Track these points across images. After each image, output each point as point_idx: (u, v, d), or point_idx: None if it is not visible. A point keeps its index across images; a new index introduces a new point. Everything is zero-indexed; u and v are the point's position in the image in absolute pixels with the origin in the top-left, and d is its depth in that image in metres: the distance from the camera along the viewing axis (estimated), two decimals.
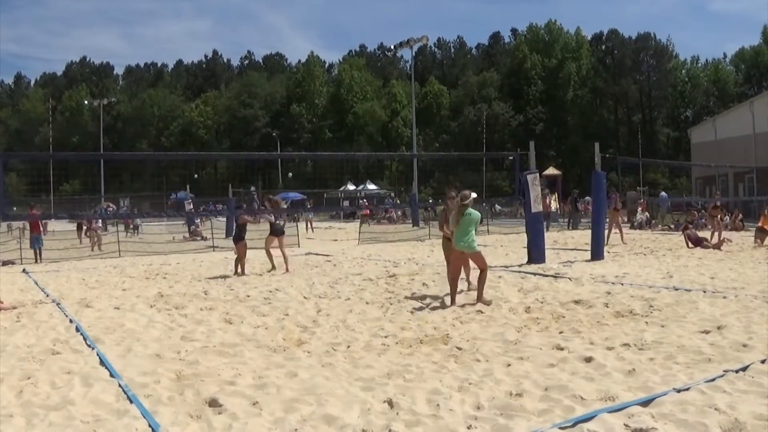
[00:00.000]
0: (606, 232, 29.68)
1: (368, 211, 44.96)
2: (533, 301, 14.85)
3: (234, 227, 24.72)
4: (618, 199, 36.08)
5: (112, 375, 9.39)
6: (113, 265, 28.01)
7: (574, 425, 6.86)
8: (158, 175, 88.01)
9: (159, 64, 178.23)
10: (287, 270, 23.23)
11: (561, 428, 6.80)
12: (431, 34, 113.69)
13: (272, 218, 24.48)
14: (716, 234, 31.21)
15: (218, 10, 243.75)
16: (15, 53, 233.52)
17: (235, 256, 23.37)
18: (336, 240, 42.86)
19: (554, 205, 53.04)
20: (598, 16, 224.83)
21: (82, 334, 12.45)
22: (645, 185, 78.33)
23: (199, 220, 50.16)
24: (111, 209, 60.38)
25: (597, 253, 24.30)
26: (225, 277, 22.21)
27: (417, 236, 41.70)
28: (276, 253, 24.02)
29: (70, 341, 11.90)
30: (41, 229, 32.81)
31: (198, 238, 43.45)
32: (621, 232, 32.50)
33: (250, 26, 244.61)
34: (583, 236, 34.02)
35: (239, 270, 22.94)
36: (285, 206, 31.45)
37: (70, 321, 13.88)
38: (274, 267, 23.78)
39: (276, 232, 24.14)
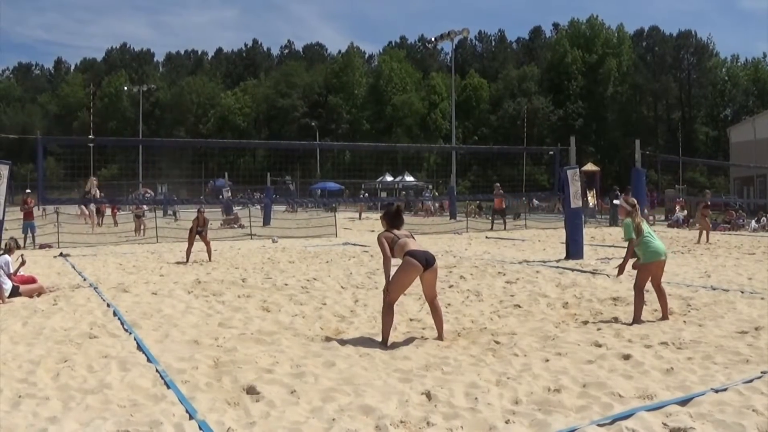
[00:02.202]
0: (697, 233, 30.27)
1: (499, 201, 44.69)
2: (571, 297, 14.83)
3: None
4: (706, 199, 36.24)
5: (149, 360, 9.49)
6: (151, 250, 28.13)
7: (612, 422, 6.83)
8: (197, 162, 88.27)
9: (199, 52, 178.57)
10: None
11: (599, 425, 6.77)
12: (472, 27, 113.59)
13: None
14: (705, 233, 31.06)
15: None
16: (44, 39, 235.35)
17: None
18: (373, 231, 42.77)
19: (592, 201, 52.83)
20: (638, 13, 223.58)
21: (119, 318, 12.56)
22: (683, 184, 77.72)
23: (237, 208, 50.26)
24: (149, 195, 60.54)
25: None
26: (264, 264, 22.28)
27: (454, 229, 41.67)
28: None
29: (107, 325, 12.00)
30: (34, 215, 33.07)
31: (235, 226, 43.57)
32: (708, 232, 31.96)
33: (277, 16, 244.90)
34: (621, 233, 33.87)
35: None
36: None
37: (108, 305, 14.01)
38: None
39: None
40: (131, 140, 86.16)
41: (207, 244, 24.58)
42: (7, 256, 15.57)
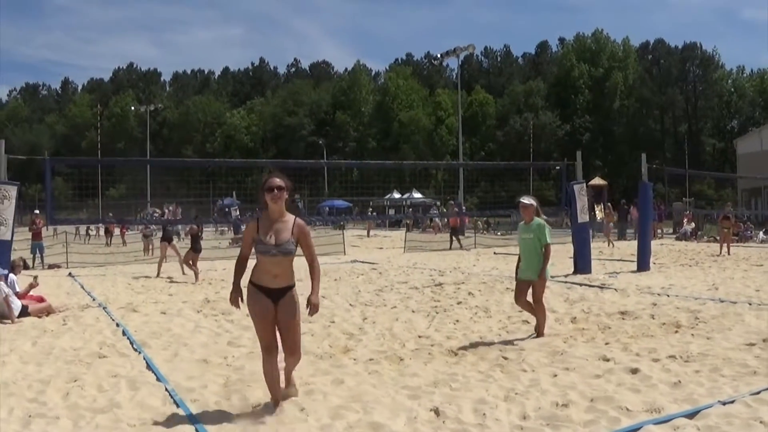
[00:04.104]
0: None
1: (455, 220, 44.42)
2: (579, 312, 14.84)
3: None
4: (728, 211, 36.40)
5: (158, 379, 9.55)
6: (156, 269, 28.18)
7: None
8: (204, 181, 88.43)
9: (206, 71, 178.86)
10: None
11: None
12: (478, 42, 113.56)
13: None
14: (724, 245, 31.10)
15: (245, 17, 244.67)
16: (51, 59, 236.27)
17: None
18: (381, 248, 42.85)
19: (599, 215, 52.76)
20: (643, 26, 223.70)
21: (128, 338, 12.59)
22: (691, 196, 77.69)
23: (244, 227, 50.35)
24: (157, 214, 60.68)
25: (643, 264, 24.17)
26: None
27: (462, 245, 41.69)
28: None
29: (116, 345, 12.04)
30: (42, 236, 33.15)
31: None
32: (728, 244, 31.90)
33: (281, 34, 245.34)
34: (629, 247, 33.83)
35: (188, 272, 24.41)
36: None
37: (117, 325, 14.02)
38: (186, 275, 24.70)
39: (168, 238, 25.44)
40: (138, 160, 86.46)
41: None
42: (13, 275, 15.61)
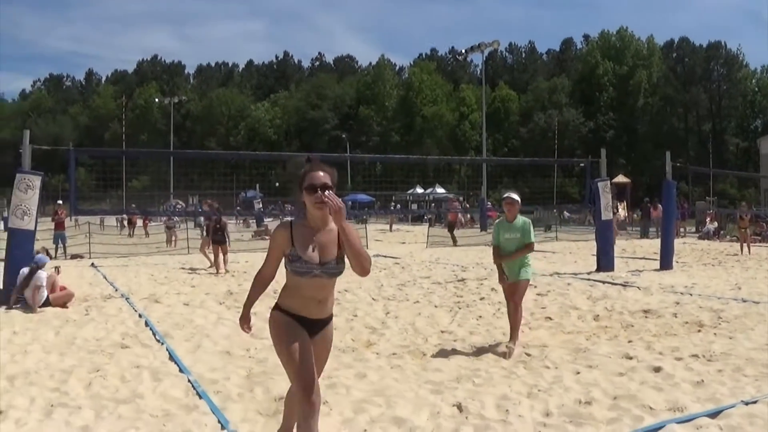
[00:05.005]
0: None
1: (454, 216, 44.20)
2: (602, 310, 14.81)
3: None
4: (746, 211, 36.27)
5: (181, 370, 9.58)
6: (182, 261, 28.19)
7: None
8: (228, 174, 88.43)
9: (230, 64, 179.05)
10: (218, 271, 23.86)
11: None
12: (502, 39, 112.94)
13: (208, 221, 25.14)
14: (745, 245, 31.05)
15: (268, 11, 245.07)
16: (75, 51, 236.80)
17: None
18: (404, 243, 42.79)
19: (623, 213, 52.62)
20: (667, 25, 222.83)
21: (151, 328, 12.63)
22: (714, 195, 77.46)
23: (268, 220, 50.39)
24: (180, 206, 60.84)
25: (666, 263, 24.07)
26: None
27: (485, 241, 41.50)
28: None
29: (139, 335, 12.10)
30: (65, 226, 33.20)
31: (266, 237, 43.59)
32: (749, 244, 31.80)
33: (304, 28, 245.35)
34: (652, 245, 33.72)
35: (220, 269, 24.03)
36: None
37: (140, 315, 14.06)
38: (212, 265, 24.53)
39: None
40: (162, 151, 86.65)
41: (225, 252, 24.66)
42: (42, 272, 15.65)
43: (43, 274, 15.26)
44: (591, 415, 7.53)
